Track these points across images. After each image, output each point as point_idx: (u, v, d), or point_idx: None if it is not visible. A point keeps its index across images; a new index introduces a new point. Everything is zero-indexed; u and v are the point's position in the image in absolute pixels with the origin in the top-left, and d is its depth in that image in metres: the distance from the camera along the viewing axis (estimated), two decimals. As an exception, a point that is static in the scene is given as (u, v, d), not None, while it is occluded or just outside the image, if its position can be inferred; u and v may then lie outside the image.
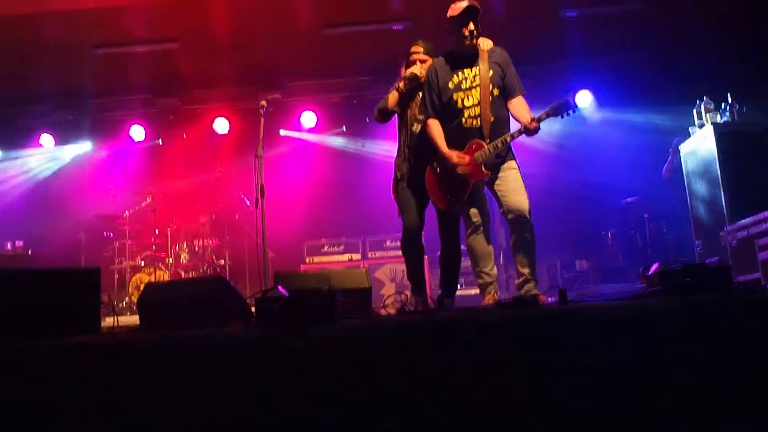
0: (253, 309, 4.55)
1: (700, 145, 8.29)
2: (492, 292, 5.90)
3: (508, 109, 5.94)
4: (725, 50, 10.87)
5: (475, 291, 6.65)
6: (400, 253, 6.46)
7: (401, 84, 6.22)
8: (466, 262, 6.40)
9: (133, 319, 8.66)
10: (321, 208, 12.49)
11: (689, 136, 8.76)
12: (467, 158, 5.83)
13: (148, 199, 11.63)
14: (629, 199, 11.20)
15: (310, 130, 13.12)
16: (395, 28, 10.47)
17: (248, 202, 10.84)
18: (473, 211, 5.95)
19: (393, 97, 6.25)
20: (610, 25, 11.05)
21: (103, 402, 1.76)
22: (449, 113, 5.96)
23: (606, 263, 11.63)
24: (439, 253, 6.48)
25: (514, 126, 5.87)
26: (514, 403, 1.47)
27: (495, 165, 5.85)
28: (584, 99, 12.14)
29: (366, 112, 11.51)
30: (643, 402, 1.41)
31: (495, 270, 6.03)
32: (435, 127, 6.00)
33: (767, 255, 6.50)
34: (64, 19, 9.90)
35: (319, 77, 12.70)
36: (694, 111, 8.48)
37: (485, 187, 6.02)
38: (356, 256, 11.28)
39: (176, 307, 4.86)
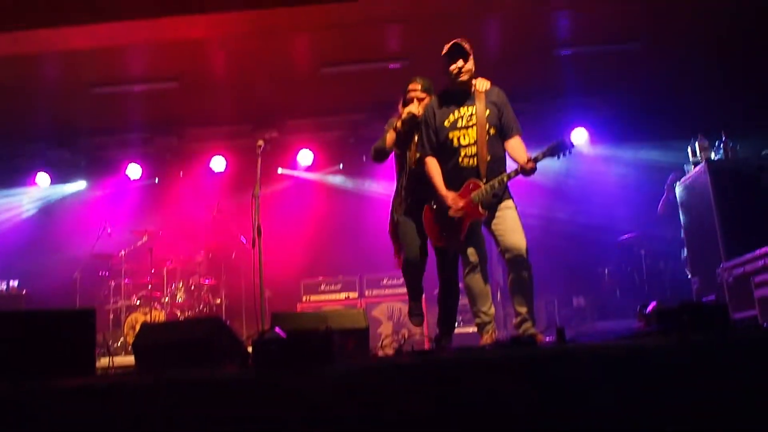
0: (249, 350, 4.53)
1: (695, 182, 8.33)
2: (490, 332, 5.89)
3: (504, 149, 5.96)
4: (720, 88, 10.94)
5: (473, 329, 6.63)
6: (397, 291, 6.46)
7: (398, 124, 6.17)
8: (463, 300, 6.39)
9: (129, 360, 8.62)
10: (318, 246, 12.48)
11: (684, 173, 8.79)
12: (462, 202, 5.83)
13: (144, 238, 11.61)
14: (626, 236, 11.20)
15: (308, 169, 13.16)
16: (392, 66, 10.52)
17: (245, 242, 10.84)
18: (470, 250, 5.95)
19: (390, 137, 6.21)
20: (605, 64, 11.12)
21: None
22: (446, 152, 5.97)
23: (603, 300, 11.61)
24: (436, 291, 6.47)
25: (511, 165, 5.89)
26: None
27: (492, 204, 5.85)
28: (579, 136, 12.20)
29: (363, 150, 11.57)
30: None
31: (493, 309, 6.02)
32: (433, 166, 6.00)
33: (764, 292, 6.49)
34: (60, 59, 9.95)
35: (317, 116, 12.76)
36: (689, 148, 8.51)
37: (483, 226, 6.03)
38: (353, 295, 11.26)
39: (172, 348, 4.84)
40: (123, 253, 11.48)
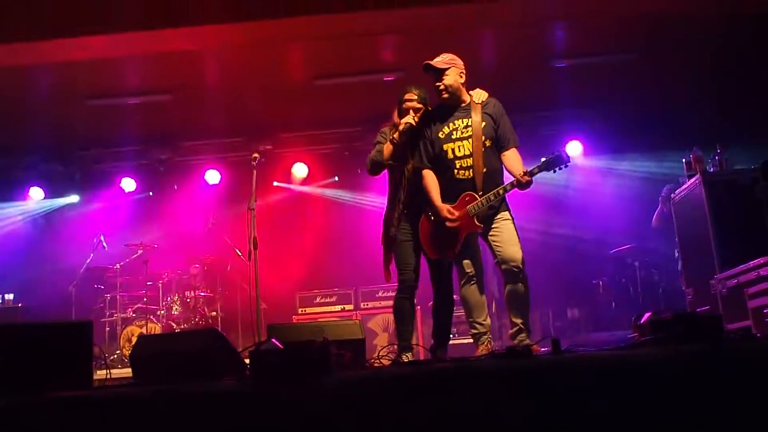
0: (246, 361, 4.54)
1: (689, 194, 8.34)
2: (486, 342, 5.92)
3: (501, 161, 5.98)
4: (715, 100, 10.98)
5: (468, 340, 6.65)
6: (392, 303, 6.41)
7: (396, 135, 6.09)
8: (459, 311, 6.39)
9: (125, 372, 8.62)
10: (313, 259, 12.49)
11: (679, 184, 8.81)
12: (457, 214, 5.85)
13: (139, 251, 11.62)
14: (620, 248, 11.22)
15: (302, 182, 13.17)
16: (387, 78, 10.53)
17: (240, 254, 10.84)
18: (466, 262, 5.98)
19: (388, 148, 6.12)
20: (600, 76, 11.17)
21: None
22: (441, 164, 5.99)
23: (598, 312, 11.64)
24: (431, 303, 6.47)
25: (508, 177, 5.91)
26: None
27: (488, 216, 5.88)
28: (574, 149, 12.23)
29: (358, 162, 11.57)
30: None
31: (488, 320, 6.05)
32: (429, 178, 6.02)
33: (757, 303, 6.52)
34: (55, 70, 9.94)
35: (311, 128, 12.77)
36: (684, 160, 8.54)
37: (479, 238, 6.05)
38: (349, 307, 11.25)
39: (169, 360, 4.84)
40: (118, 266, 11.49)
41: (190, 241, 12.33)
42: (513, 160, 5.90)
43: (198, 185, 13.05)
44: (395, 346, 6.29)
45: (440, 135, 6.00)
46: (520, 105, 10.33)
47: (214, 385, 3.75)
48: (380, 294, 11.05)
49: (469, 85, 6.12)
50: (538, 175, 5.77)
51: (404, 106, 6.18)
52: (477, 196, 5.81)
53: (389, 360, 5.99)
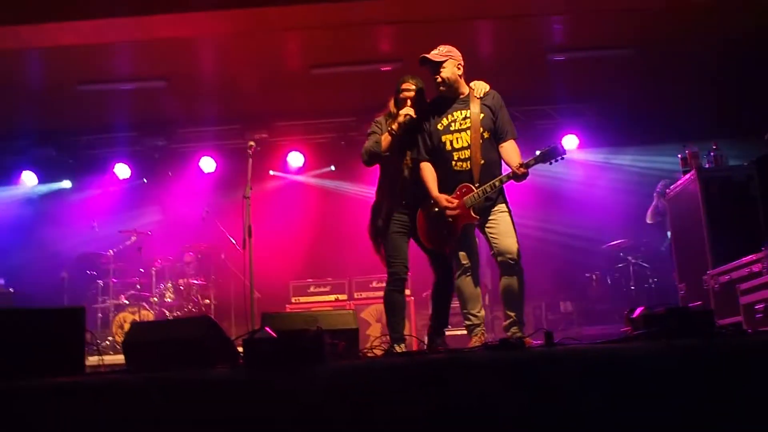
0: (240, 350, 4.54)
1: (684, 190, 8.36)
2: (479, 334, 5.93)
3: (499, 153, 5.98)
4: (711, 96, 10.98)
5: (462, 331, 6.66)
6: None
7: (395, 126, 6.05)
8: (453, 303, 6.39)
9: (117, 358, 8.62)
10: (307, 248, 12.49)
11: (674, 180, 8.83)
12: (456, 203, 5.86)
13: (133, 238, 11.59)
14: (614, 242, 11.23)
15: (298, 170, 13.16)
16: (384, 69, 10.51)
17: (234, 242, 10.83)
18: (462, 253, 5.99)
19: (386, 139, 6.08)
20: (597, 70, 11.17)
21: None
22: (439, 156, 5.99)
23: (590, 305, 11.65)
24: (425, 293, 6.47)
25: (506, 170, 5.92)
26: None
27: (485, 208, 5.89)
28: (570, 143, 12.23)
29: (354, 152, 11.56)
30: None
31: (483, 312, 6.06)
32: (427, 170, 6.03)
33: (749, 299, 6.54)
34: (47, 55, 9.90)
35: (307, 117, 12.75)
36: (679, 156, 8.54)
37: (476, 229, 6.06)
38: (342, 297, 11.25)
39: (163, 347, 4.84)
40: (111, 252, 11.47)
41: (184, 228, 12.31)
42: (510, 152, 5.90)
43: (193, 173, 13.02)
44: (388, 337, 6.28)
45: (438, 127, 6.00)
46: (517, 98, 10.32)
47: (207, 373, 3.75)
48: (374, 284, 11.04)
49: (466, 78, 6.12)
50: (534, 167, 5.78)
51: (401, 95, 6.14)
52: (474, 187, 5.81)
53: (382, 350, 6.00)
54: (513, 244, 5.81)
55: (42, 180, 13.15)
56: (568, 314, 11.65)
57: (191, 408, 2.85)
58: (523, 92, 11.34)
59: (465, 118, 5.93)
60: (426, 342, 6.42)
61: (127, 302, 11.27)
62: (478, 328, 5.96)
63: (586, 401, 2.74)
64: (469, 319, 6.00)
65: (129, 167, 13.02)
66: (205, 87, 11.41)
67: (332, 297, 11.29)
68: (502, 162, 6.00)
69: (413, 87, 6.14)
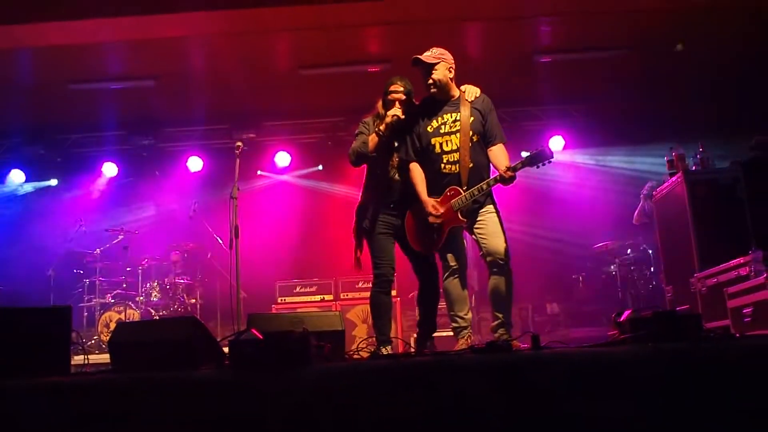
0: (225, 350, 4.53)
1: (671, 192, 8.37)
2: (466, 336, 5.93)
3: (487, 156, 5.98)
4: (698, 98, 11.04)
5: (448, 333, 6.66)
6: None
7: (382, 128, 6.03)
8: (440, 304, 6.39)
9: (102, 357, 8.60)
10: (294, 248, 12.47)
11: (661, 182, 8.84)
12: (441, 209, 5.86)
13: (120, 237, 11.58)
14: (600, 244, 11.24)
15: (285, 170, 13.15)
16: (372, 70, 10.52)
17: (221, 242, 10.81)
18: (450, 255, 5.99)
19: (373, 140, 6.06)
20: (584, 71, 11.19)
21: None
22: (428, 158, 5.99)
23: (577, 307, 11.66)
24: (411, 294, 6.46)
25: (494, 172, 5.92)
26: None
27: (473, 210, 5.89)
28: (557, 144, 12.25)
29: (341, 153, 11.55)
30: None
31: (470, 314, 6.08)
32: (416, 172, 6.03)
33: (736, 303, 6.55)
34: (38, 54, 9.88)
35: (295, 117, 12.76)
36: (666, 158, 8.56)
37: (465, 231, 6.07)
38: (328, 297, 11.24)
39: (148, 347, 4.83)
40: (98, 251, 11.45)
41: (170, 227, 12.31)
42: (499, 155, 5.90)
43: (180, 172, 13.01)
44: (374, 339, 6.27)
45: (428, 129, 6.00)
46: (504, 99, 10.32)
47: (192, 374, 3.74)
48: (360, 285, 11.02)
49: (455, 79, 6.11)
50: (522, 170, 5.78)
51: (390, 97, 6.11)
52: (461, 190, 5.81)
53: (368, 352, 5.99)
54: (501, 244, 5.81)
55: (30, 178, 13.11)
56: (555, 316, 11.67)
57: (176, 408, 2.84)
58: (510, 93, 11.34)
59: (455, 120, 5.93)
60: (412, 344, 6.41)
61: (113, 301, 11.24)
62: (465, 331, 5.97)
63: (572, 405, 2.74)
64: (456, 322, 6.00)
65: (117, 166, 12.99)
66: (194, 86, 11.39)
67: (318, 297, 11.27)
68: (491, 165, 6.00)
69: (401, 88, 6.11)
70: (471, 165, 5.85)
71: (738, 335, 6.13)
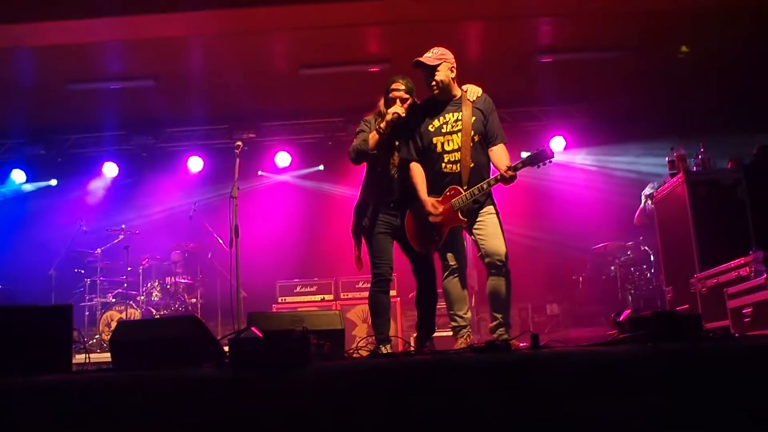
0: (226, 349, 4.53)
1: (672, 193, 8.37)
2: (465, 336, 5.92)
3: (488, 156, 5.98)
4: (700, 99, 11.02)
5: (447, 333, 6.66)
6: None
7: (383, 125, 6.01)
8: (439, 304, 6.38)
9: (103, 357, 8.61)
10: (294, 248, 12.48)
11: (662, 182, 8.84)
12: (441, 208, 5.86)
13: (121, 236, 11.60)
14: (601, 245, 11.23)
15: (285, 170, 13.15)
16: (372, 70, 10.51)
17: (221, 241, 10.81)
18: (450, 255, 5.99)
19: (373, 138, 6.05)
20: (586, 71, 11.18)
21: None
22: (429, 157, 5.99)
23: (577, 307, 11.65)
24: (411, 294, 6.45)
25: (494, 172, 5.91)
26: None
27: (473, 210, 5.89)
28: (558, 145, 12.25)
29: (341, 152, 11.55)
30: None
31: (469, 314, 6.07)
32: (417, 171, 6.02)
33: (736, 303, 6.55)
34: (37, 54, 9.89)
35: (295, 117, 12.76)
36: (667, 158, 8.55)
37: (464, 231, 6.07)
38: (329, 297, 11.25)
39: (149, 345, 4.83)
40: (99, 250, 11.47)
41: (171, 227, 12.32)
42: (500, 155, 5.90)
43: (180, 172, 13.02)
44: (374, 338, 6.27)
45: (430, 128, 5.99)
46: (504, 99, 10.33)
47: (192, 373, 3.74)
48: (360, 285, 11.03)
49: (457, 78, 6.11)
50: (522, 170, 5.78)
51: (391, 95, 6.10)
52: (462, 190, 5.81)
53: (367, 351, 5.99)
54: (501, 245, 5.81)
55: (30, 178, 13.13)
56: (555, 316, 11.66)
57: (176, 407, 2.84)
58: (510, 94, 11.34)
59: (457, 120, 5.93)
60: (412, 343, 6.40)
61: (114, 300, 11.26)
62: (465, 330, 5.96)
63: (571, 404, 2.74)
64: (456, 321, 6.00)
65: (117, 166, 13.00)
66: (194, 86, 11.39)
67: (318, 297, 11.28)
68: (491, 165, 6.00)
69: (403, 87, 6.10)
70: (472, 165, 5.85)
71: (738, 335, 6.12)
